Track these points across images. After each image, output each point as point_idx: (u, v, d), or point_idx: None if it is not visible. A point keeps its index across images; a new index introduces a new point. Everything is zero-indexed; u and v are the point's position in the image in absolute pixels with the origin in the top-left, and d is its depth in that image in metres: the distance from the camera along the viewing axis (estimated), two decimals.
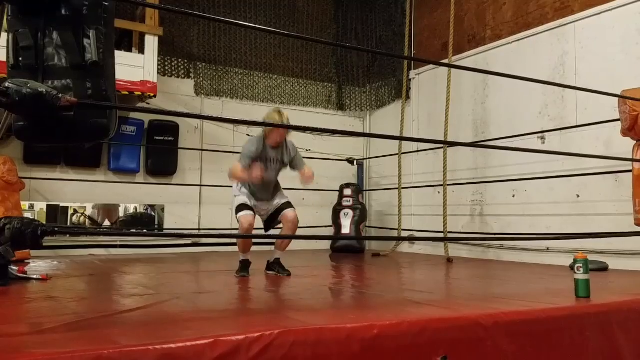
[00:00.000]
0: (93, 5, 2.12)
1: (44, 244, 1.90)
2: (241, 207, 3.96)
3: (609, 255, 4.51)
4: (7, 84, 1.85)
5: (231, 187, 4.24)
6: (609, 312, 2.56)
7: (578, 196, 4.99)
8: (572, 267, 2.95)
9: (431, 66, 6.85)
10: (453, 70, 5.87)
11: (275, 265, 4.13)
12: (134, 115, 6.15)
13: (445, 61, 5.96)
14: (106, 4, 2.17)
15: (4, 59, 2.09)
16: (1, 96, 1.83)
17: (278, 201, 4.13)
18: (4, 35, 2.12)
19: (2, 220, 1.78)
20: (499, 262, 5.45)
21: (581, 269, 2.75)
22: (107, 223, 7.78)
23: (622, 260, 4.47)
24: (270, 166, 4.02)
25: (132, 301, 2.78)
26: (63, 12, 2.07)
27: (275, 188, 4.18)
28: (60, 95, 1.90)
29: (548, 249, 5.14)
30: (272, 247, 4.30)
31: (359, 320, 2.05)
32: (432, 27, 6.99)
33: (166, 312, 2.44)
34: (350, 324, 1.96)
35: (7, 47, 2.06)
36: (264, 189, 4.08)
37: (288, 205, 4.11)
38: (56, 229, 2.07)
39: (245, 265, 4.04)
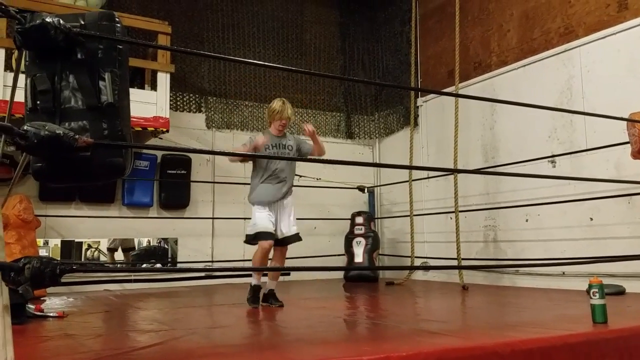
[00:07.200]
0: (108, 49, 2.18)
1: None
2: (261, 235, 3.98)
3: (625, 278, 4.45)
4: (25, 127, 1.91)
5: (242, 219, 4.27)
6: (627, 337, 2.53)
7: (591, 219, 4.95)
8: (588, 292, 2.92)
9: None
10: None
11: (269, 297, 4.13)
12: (146, 150, 6.24)
13: (452, 88, 6.01)
14: (120, 47, 2.24)
15: (22, 100, 2.16)
16: (20, 139, 1.89)
17: (287, 229, 4.14)
18: (22, 77, 2.19)
19: (22, 260, 1.81)
20: (514, 288, 5.39)
21: (597, 294, 2.73)
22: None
23: (639, 283, 4.41)
24: (277, 153, 4.17)
25: (147, 337, 2.79)
26: (79, 56, 2.13)
27: (289, 189, 4.21)
28: (77, 136, 1.95)
29: (564, 273, 5.08)
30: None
31: (374, 352, 2.04)
32: (437, 55, 7.08)
33: (181, 348, 2.45)
34: (366, 356, 1.96)
35: (25, 91, 2.12)
36: (277, 185, 4.12)
37: (295, 239, 4.17)
38: (74, 266, 2.09)
39: (256, 294, 4.07)
